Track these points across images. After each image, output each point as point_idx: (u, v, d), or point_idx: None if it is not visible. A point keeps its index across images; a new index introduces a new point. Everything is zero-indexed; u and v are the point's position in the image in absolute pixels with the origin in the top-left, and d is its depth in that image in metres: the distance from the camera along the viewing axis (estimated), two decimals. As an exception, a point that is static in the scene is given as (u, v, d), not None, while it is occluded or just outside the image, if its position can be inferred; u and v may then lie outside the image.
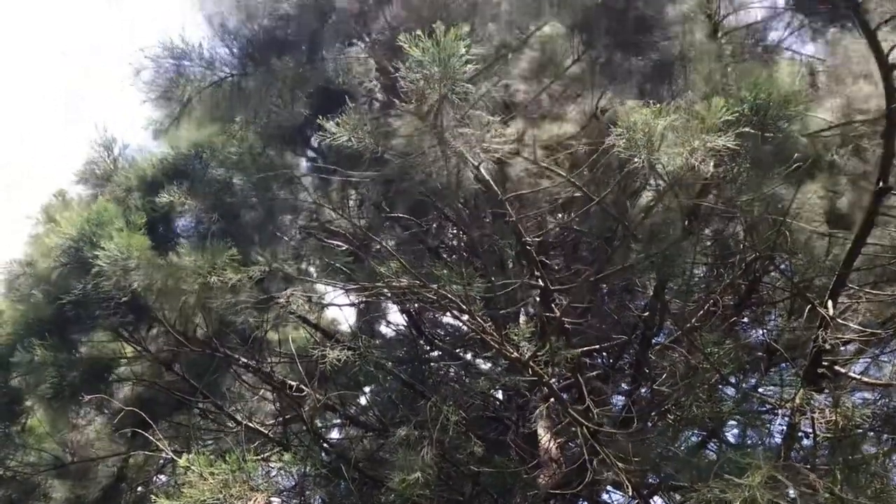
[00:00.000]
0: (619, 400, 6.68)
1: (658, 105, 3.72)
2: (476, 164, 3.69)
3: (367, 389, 7.24)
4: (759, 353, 5.95)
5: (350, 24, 4.75)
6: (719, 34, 4.91)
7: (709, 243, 5.52)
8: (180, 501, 4.53)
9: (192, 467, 4.65)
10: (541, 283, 4.81)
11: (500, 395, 6.95)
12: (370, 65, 4.68)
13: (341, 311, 7.43)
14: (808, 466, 4.65)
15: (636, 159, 3.64)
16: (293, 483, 5.80)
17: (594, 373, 6.18)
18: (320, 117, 4.01)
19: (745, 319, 6.55)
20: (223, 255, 5.45)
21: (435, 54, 3.40)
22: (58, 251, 5.70)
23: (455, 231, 6.67)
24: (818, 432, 5.01)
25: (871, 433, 5.34)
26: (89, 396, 5.60)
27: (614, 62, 4.70)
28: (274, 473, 5.69)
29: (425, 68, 3.44)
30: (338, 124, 3.84)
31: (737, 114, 3.75)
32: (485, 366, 7.04)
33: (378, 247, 5.56)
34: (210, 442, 6.66)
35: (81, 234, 5.54)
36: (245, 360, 6.40)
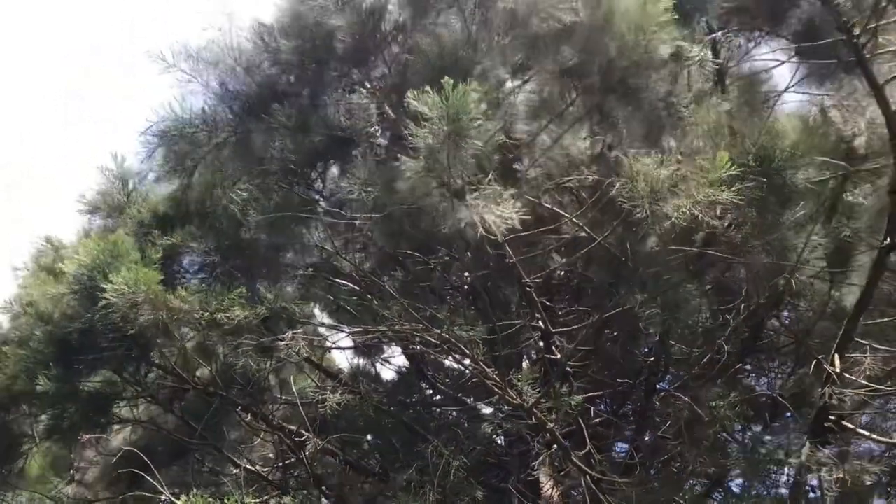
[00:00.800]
0: (622, 448, 6.62)
1: (661, 154, 3.75)
2: (479, 213, 3.70)
3: (367, 434, 7.18)
4: (764, 399, 5.92)
5: (350, 71, 4.83)
6: (723, 81, 4.98)
7: (711, 288, 5.49)
8: (179, 547, 4.47)
9: (192, 509, 4.59)
10: (542, 325, 4.79)
11: (501, 440, 6.88)
12: (371, 110, 4.74)
13: (343, 353, 7.38)
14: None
15: (639, 209, 3.66)
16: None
17: (597, 420, 6.13)
18: (329, 161, 4.05)
19: (749, 367, 6.52)
20: (230, 293, 5.46)
21: (444, 110, 3.42)
22: (70, 278, 5.69)
23: (458, 273, 6.68)
24: (825, 488, 4.94)
25: (879, 488, 5.27)
26: (88, 436, 5.52)
27: (607, 106, 4.75)
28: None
29: (434, 125, 3.47)
30: (347, 176, 3.87)
31: (742, 167, 3.77)
32: (487, 410, 6.98)
33: (382, 287, 5.56)
34: (208, 490, 6.57)
35: (95, 263, 5.55)
36: (245, 404, 6.35)
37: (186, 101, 5.26)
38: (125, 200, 6.52)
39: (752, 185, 3.85)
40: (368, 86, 4.82)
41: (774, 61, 4.97)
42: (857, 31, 3.97)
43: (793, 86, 5.05)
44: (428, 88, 3.52)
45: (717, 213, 3.78)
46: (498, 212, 3.62)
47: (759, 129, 4.03)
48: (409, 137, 3.83)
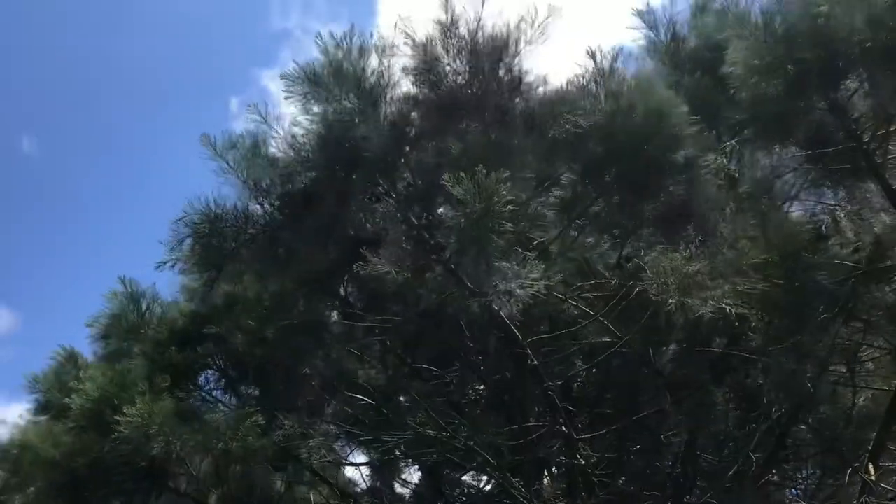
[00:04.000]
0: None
1: (687, 251, 3.83)
2: (506, 303, 3.76)
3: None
4: (796, 513, 5.73)
5: (376, 178, 5.00)
6: (733, 185, 5.13)
7: (734, 396, 5.44)
8: None
9: None
10: (565, 430, 4.72)
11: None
12: (396, 217, 4.88)
13: (358, 469, 7.20)
14: None
15: (668, 302, 3.70)
16: None
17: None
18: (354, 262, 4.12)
19: (776, 478, 6.34)
20: (247, 420, 5.39)
21: (476, 194, 3.55)
22: (77, 411, 5.63)
23: (477, 383, 6.63)
24: None
25: None
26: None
27: (627, 205, 4.89)
28: None
29: (467, 207, 3.58)
30: (379, 256, 3.94)
31: (766, 259, 3.84)
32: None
33: (401, 399, 5.51)
34: None
35: (103, 395, 5.51)
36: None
37: (222, 193, 5.43)
38: (139, 321, 6.54)
39: (777, 278, 3.90)
40: (393, 195, 4.97)
41: (785, 168, 5.13)
42: (866, 139, 4.13)
43: (802, 191, 5.19)
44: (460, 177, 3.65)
45: (744, 305, 3.81)
46: (526, 282, 3.67)
47: (778, 230, 4.13)
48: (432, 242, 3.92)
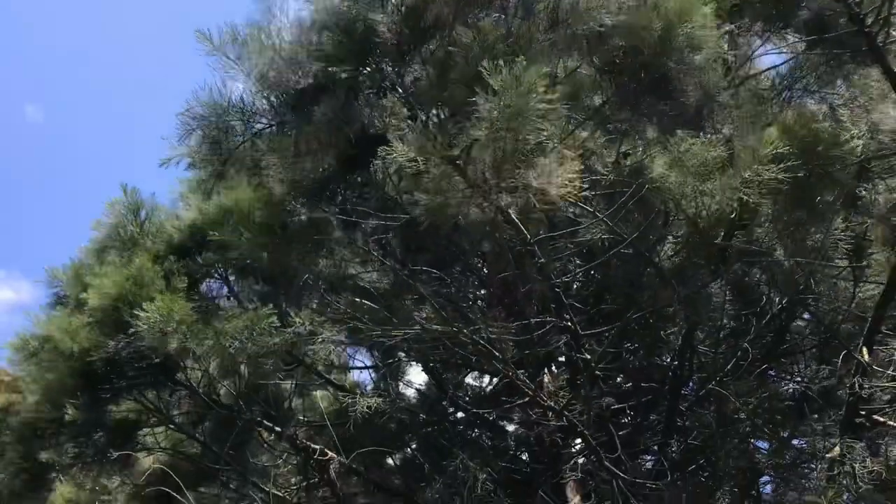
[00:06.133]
0: (650, 458, 6.55)
1: (708, 137, 3.80)
2: (511, 202, 3.74)
3: (390, 458, 7.14)
4: (791, 402, 5.87)
5: (387, 70, 4.89)
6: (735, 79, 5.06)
7: (734, 290, 5.50)
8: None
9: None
10: (571, 326, 4.80)
11: (526, 457, 6.84)
12: (403, 113, 4.79)
13: (365, 373, 7.36)
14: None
15: (686, 188, 3.68)
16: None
17: (624, 431, 6.08)
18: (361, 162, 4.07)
19: (773, 372, 6.48)
20: (264, 320, 5.45)
21: (513, 87, 3.47)
22: (93, 309, 5.68)
23: (478, 286, 6.70)
24: (859, 483, 4.88)
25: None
26: (117, 453, 5.51)
27: (642, 104, 4.82)
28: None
29: (502, 100, 3.51)
30: (402, 141, 3.88)
31: (787, 149, 3.81)
32: (510, 427, 6.95)
33: (403, 301, 5.57)
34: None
35: (121, 294, 5.55)
36: (269, 424, 6.32)
37: (226, 87, 5.32)
38: (138, 232, 6.48)
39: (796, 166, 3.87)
40: (401, 90, 4.87)
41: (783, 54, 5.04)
42: (869, 21, 4.04)
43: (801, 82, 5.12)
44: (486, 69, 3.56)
45: (757, 195, 3.80)
46: (561, 176, 3.64)
47: (795, 118, 4.08)
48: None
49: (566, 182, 3.68)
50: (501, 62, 3.54)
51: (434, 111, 4.42)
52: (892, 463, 4.82)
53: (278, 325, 5.44)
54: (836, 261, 5.40)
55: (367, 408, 5.17)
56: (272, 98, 5.22)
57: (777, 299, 5.73)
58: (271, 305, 5.49)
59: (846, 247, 5.15)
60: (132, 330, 5.17)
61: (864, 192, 4.76)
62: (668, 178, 3.83)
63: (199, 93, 5.34)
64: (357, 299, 6.03)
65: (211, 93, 5.29)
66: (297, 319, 5.29)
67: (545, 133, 3.72)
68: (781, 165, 3.79)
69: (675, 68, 4.54)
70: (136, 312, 5.11)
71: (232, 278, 6.30)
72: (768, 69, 5.28)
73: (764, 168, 3.71)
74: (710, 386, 5.57)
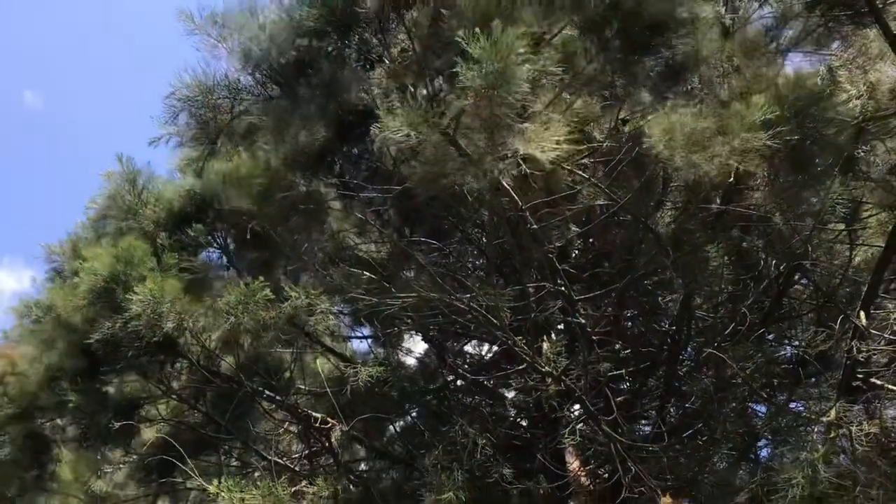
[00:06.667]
0: (647, 424, 6.60)
1: (695, 107, 3.76)
2: (503, 169, 3.71)
3: (391, 425, 7.20)
4: (788, 365, 5.90)
5: (371, 44, 4.85)
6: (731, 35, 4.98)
7: (731, 254, 5.49)
8: (212, 528, 4.49)
9: (223, 494, 4.62)
10: (566, 292, 4.80)
11: (525, 423, 6.89)
12: (391, 86, 4.76)
13: (365, 342, 7.40)
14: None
15: (676, 159, 3.66)
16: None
17: (621, 398, 6.12)
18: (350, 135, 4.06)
19: (771, 336, 6.50)
20: (258, 294, 5.45)
21: (492, 53, 3.41)
22: (87, 291, 5.70)
23: (476, 255, 6.71)
24: (856, 446, 4.91)
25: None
26: (119, 424, 5.56)
27: (628, 62, 4.76)
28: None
29: (484, 66, 3.45)
30: (392, 115, 3.83)
31: (776, 113, 3.77)
32: (509, 394, 6.99)
33: (401, 272, 5.58)
34: (237, 478, 6.59)
35: (112, 275, 5.56)
36: (270, 394, 6.37)
37: (210, 66, 5.30)
38: (136, 201, 6.46)
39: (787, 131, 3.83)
40: (387, 62, 4.83)
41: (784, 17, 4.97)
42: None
43: (801, 42, 5.05)
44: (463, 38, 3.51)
45: (749, 161, 3.77)
46: (544, 140, 3.60)
47: (788, 81, 4.03)
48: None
49: (554, 146, 3.64)
50: (478, 29, 3.48)
51: (423, 81, 4.36)
52: (889, 425, 4.85)
53: (273, 297, 5.46)
54: (834, 225, 5.39)
55: (369, 376, 5.16)
56: (257, 75, 5.18)
57: (774, 263, 5.72)
58: (262, 278, 5.51)
59: (843, 210, 5.14)
60: (126, 313, 5.17)
61: (861, 155, 4.73)
62: (658, 148, 3.79)
63: (184, 74, 5.32)
64: (355, 269, 6.05)
65: (195, 73, 5.25)
66: (294, 293, 5.28)
67: (529, 97, 3.67)
68: (772, 131, 3.74)
69: (659, 17, 4.45)
70: (129, 296, 5.11)
71: (232, 247, 6.28)
72: (765, 31, 5.20)
73: (753, 135, 3.66)
74: (709, 351, 5.59)
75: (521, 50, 3.50)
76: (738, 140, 3.64)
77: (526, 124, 3.70)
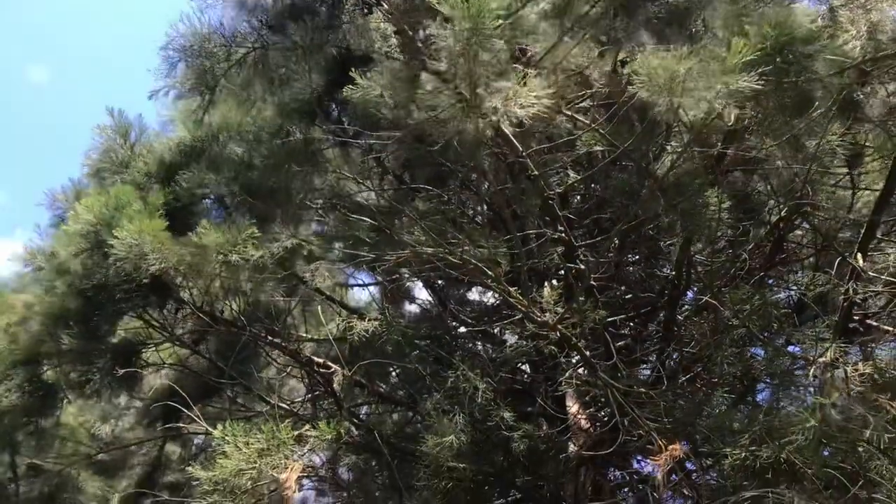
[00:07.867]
0: (646, 368, 6.65)
1: (679, 50, 3.68)
2: (498, 118, 3.67)
3: (392, 369, 7.27)
4: (787, 309, 5.92)
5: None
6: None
7: (732, 198, 5.46)
8: (216, 471, 4.57)
9: (227, 438, 4.70)
10: (566, 238, 4.79)
11: (527, 367, 6.96)
12: (388, 30, 4.67)
13: (366, 290, 7.42)
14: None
15: (659, 105, 3.61)
16: (326, 458, 5.82)
17: (621, 343, 6.16)
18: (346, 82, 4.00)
19: (771, 280, 6.51)
20: (244, 232, 5.44)
21: (465, 11, 3.36)
22: (77, 238, 5.71)
23: (476, 199, 6.68)
24: (852, 386, 4.95)
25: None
26: (123, 370, 5.62)
27: (629, 6, 4.66)
28: (307, 448, 5.70)
29: (455, 25, 3.40)
30: (368, 78, 3.80)
31: (759, 53, 3.69)
32: (512, 339, 7.03)
33: (401, 219, 5.56)
34: (241, 422, 6.70)
35: (100, 219, 5.55)
36: (272, 339, 6.42)
37: (205, 15, 5.22)
38: (129, 154, 6.45)
39: (772, 70, 3.75)
40: (385, 5, 4.73)
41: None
42: None
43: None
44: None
45: (738, 106, 3.71)
46: (523, 99, 3.57)
47: (776, 16, 3.92)
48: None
49: (533, 102, 3.60)
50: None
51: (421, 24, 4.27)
52: (884, 366, 4.89)
53: (259, 235, 5.43)
54: (835, 168, 5.35)
55: (365, 330, 5.19)
56: (253, 21, 5.09)
57: (775, 207, 5.70)
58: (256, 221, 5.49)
59: (843, 153, 5.09)
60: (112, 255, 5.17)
61: (860, 97, 4.65)
62: (642, 93, 3.72)
63: (179, 24, 5.22)
64: (354, 216, 6.04)
65: (191, 21, 5.16)
66: (283, 235, 5.26)
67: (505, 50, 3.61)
68: (756, 72, 3.66)
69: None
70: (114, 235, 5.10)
71: (227, 200, 6.26)
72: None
73: (735, 78, 3.59)
74: (708, 297, 5.61)
75: (495, 5, 3.45)
76: (720, 84, 3.56)
77: (501, 82, 3.66)
